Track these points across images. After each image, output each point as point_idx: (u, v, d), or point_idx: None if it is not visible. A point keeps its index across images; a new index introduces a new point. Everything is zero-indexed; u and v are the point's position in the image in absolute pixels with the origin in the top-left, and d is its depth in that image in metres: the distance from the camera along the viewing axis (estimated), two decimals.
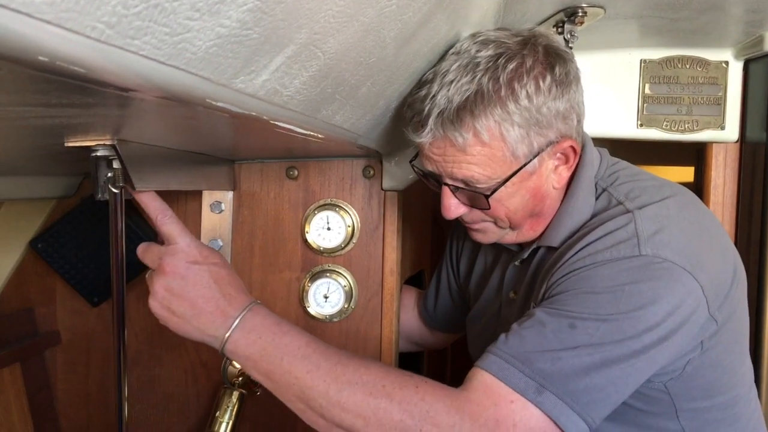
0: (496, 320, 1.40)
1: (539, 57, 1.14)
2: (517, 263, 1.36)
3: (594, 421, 1.07)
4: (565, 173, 1.23)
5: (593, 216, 1.23)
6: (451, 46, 1.21)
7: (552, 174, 1.22)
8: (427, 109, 1.14)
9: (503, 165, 1.16)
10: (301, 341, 1.12)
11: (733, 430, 1.26)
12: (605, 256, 1.12)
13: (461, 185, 1.20)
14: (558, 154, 1.21)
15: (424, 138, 1.16)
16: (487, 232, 1.30)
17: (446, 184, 1.21)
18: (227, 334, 1.12)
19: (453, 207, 1.23)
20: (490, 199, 1.18)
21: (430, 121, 1.14)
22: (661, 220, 1.15)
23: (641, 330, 1.07)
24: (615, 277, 1.10)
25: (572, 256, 1.16)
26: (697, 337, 1.15)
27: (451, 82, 1.13)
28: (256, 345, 1.12)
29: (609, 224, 1.16)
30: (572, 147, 1.20)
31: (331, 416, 1.08)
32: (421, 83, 1.19)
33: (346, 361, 1.10)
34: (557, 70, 1.15)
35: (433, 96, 1.14)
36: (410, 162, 1.31)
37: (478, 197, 1.19)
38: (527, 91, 1.11)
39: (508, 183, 1.17)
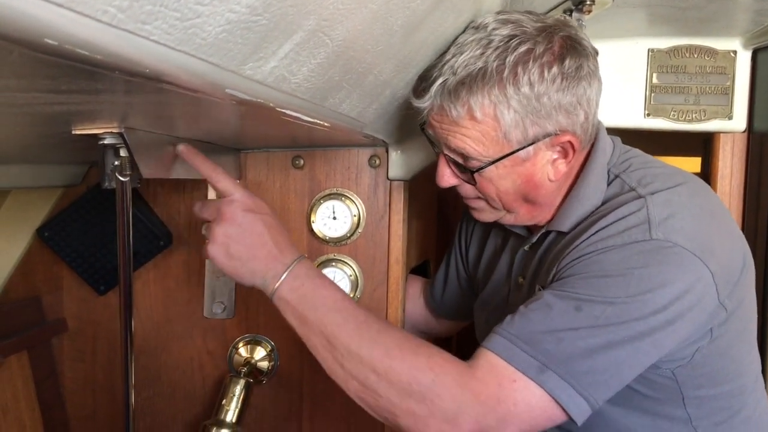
0: (504, 306, 1.40)
1: (553, 47, 1.13)
2: (526, 248, 1.36)
3: (596, 401, 1.09)
4: (563, 167, 1.22)
5: (604, 202, 1.23)
6: (459, 35, 1.21)
7: (549, 165, 1.21)
8: (434, 76, 1.16)
9: (496, 145, 1.16)
10: (336, 296, 1.20)
11: (739, 418, 1.27)
12: (616, 240, 1.13)
13: (455, 157, 1.21)
14: (557, 147, 1.20)
15: (424, 104, 1.18)
16: (483, 211, 1.31)
17: (443, 153, 1.23)
18: (279, 279, 1.19)
19: (446, 176, 1.25)
20: (478, 176, 1.20)
21: (433, 89, 1.16)
22: (673, 206, 1.15)
23: (647, 313, 1.08)
24: (625, 261, 1.10)
25: (584, 240, 1.16)
26: (706, 324, 1.15)
27: (462, 53, 1.14)
28: (299, 291, 1.19)
29: (621, 210, 1.16)
30: (571, 142, 1.18)
31: (349, 367, 1.14)
32: (442, 55, 1.19)
33: (371, 322, 1.18)
34: (567, 62, 1.13)
35: (444, 64, 1.15)
36: (420, 125, 1.29)
37: (466, 172, 1.21)
38: (529, 78, 1.11)
39: (498, 164, 1.18)
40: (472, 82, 1.12)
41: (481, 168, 1.19)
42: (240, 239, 1.19)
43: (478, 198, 1.28)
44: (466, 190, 1.28)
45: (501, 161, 1.18)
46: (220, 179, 1.21)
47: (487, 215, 1.31)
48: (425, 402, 1.09)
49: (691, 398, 1.22)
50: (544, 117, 1.14)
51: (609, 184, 1.25)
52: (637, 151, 1.33)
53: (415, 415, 1.09)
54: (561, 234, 1.26)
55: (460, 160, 1.21)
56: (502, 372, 1.08)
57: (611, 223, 1.15)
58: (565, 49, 1.14)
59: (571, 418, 1.08)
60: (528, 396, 1.07)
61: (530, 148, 1.17)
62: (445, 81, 1.14)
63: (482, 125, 1.15)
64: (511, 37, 1.13)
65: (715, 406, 1.24)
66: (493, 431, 1.08)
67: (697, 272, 1.10)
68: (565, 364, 1.07)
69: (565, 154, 1.21)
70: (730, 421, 1.26)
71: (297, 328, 1.20)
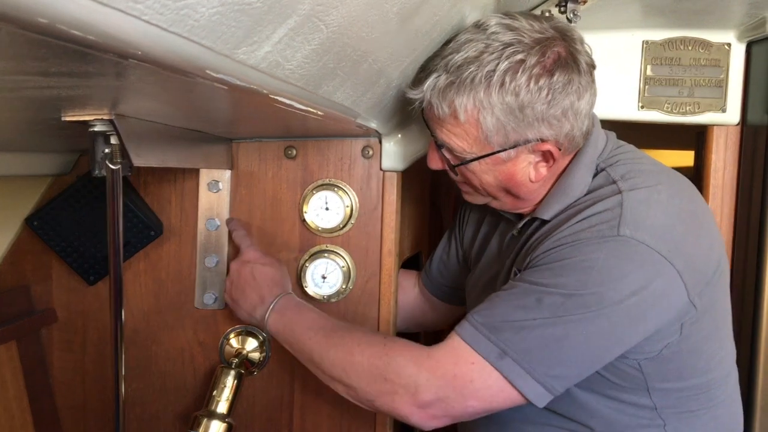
0: (493, 286, 1.43)
1: (545, 60, 1.16)
2: (514, 233, 1.40)
3: (554, 387, 1.16)
4: (543, 171, 1.27)
5: (588, 193, 1.27)
6: (454, 25, 1.23)
7: (531, 167, 1.26)
8: (430, 70, 1.21)
9: (477, 144, 1.22)
10: (310, 316, 1.43)
11: (705, 410, 1.30)
12: (586, 234, 1.17)
13: (442, 146, 1.28)
14: (537, 153, 1.24)
15: (415, 96, 1.24)
16: (471, 194, 1.38)
17: (434, 139, 1.29)
18: (267, 315, 1.46)
19: (435, 160, 1.33)
20: (460, 169, 1.27)
21: (426, 84, 1.21)
22: (649, 204, 1.18)
23: (604, 305, 1.13)
24: (590, 255, 1.15)
25: (560, 232, 1.21)
26: (675, 321, 1.18)
27: (459, 52, 1.18)
28: (282, 321, 1.44)
29: (598, 205, 1.20)
30: (550, 151, 1.23)
31: (328, 371, 1.33)
32: (447, 42, 1.24)
33: (336, 329, 1.38)
34: (556, 77, 1.16)
35: (441, 59, 1.20)
36: (420, 109, 1.35)
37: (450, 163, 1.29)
38: (515, 88, 1.15)
39: (479, 161, 1.24)
40: (461, 84, 1.17)
41: (462, 163, 1.26)
42: (237, 286, 1.52)
43: (464, 183, 1.34)
44: (454, 174, 1.33)
45: (482, 159, 1.24)
46: (240, 240, 1.58)
47: (475, 198, 1.38)
48: (387, 381, 1.24)
49: (657, 389, 1.25)
50: (525, 126, 1.19)
51: (595, 176, 1.28)
52: (630, 147, 1.36)
53: (385, 394, 1.25)
54: (544, 222, 1.30)
55: (444, 152, 1.28)
56: (461, 354, 1.19)
57: (586, 218, 1.20)
58: (557, 63, 1.17)
59: (530, 401, 1.17)
60: (485, 377, 1.17)
61: (511, 151, 1.22)
62: (437, 78, 1.19)
63: (465, 125, 1.20)
64: (508, 45, 1.16)
65: (681, 398, 1.27)
66: (454, 402, 1.20)
67: (658, 269, 1.14)
68: (523, 352, 1.15)
69: (545, 160, 1.25)
70: (697, 412, 1.29)
71: (291, 352, 1.43)
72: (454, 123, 1.21)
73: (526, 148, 1.22)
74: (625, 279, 1.13)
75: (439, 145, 1.28)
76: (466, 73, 1.16)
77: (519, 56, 1.15)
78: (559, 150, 1.23)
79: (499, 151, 1.22)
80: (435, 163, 1.33)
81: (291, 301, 1.48)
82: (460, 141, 1.23)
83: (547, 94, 1.16)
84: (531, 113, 1.17)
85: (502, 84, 1.15)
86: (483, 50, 1.16)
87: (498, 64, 1.15)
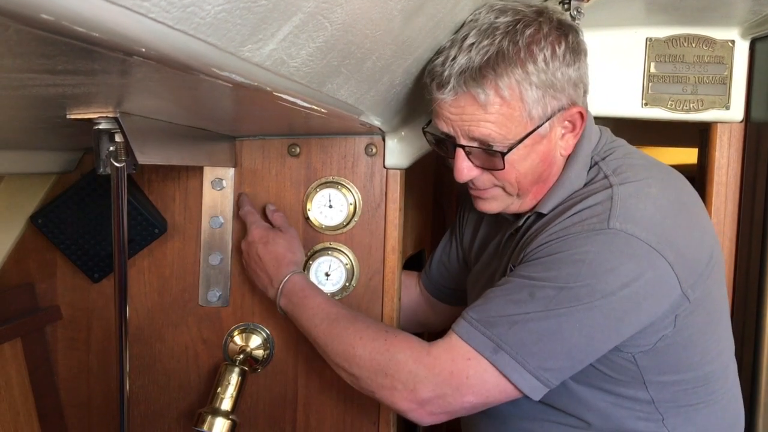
0: (490, 284, 1.42)
1: (554, 25, 1.21)
2: (512, 231, 1.40)
3: (548, 380, 1.18)
4: (571, 141, 1.29)
5: (583, 186, 1.29)
6: (457, 23, 1.24)
7: (560, 141, 1.28)
8: (448, 70, 1.19)
9: (519, 125, 1.21)
10: (314, 303, 1.44)
11: (704, 404, 1.30)
12: (577, 228, 1.19)
13: (476, 145, 1.24)
14: (566, 122, 1.26)
15: (447, 95, 1.21)
16: (497, 199, 1.34)
17: (461, 146, 1.25)
18: (277, 298, 1.50)
19: (465, 170, 1.27)
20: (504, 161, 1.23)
21: (453, 80, 1.19)
22: (639, 197, 1.20)
23: (596, 298, 1.14)
24: (580, 248, 1.16)
25: (553, 227, 1.22)
26: (669, 312, 1.19)
27: (472, 45, 1.18)
28: (289, 306, 1.48)
29: (589, 199, 1.22)
30: (580, 113, 1.25)
31: (331, 357, 1.37)
32: (440, 51, 1.24)
33: (341, 318, 1.39)
34: (570, 38, 1.22)
35: (454, 58, 1.19)
36: (423, 128, 1.37)
37: (492, 158, 1.24)
38: (545, 55, 1.18)
39: (521, 145, 1.22)
40: (495, 64, 1.17)
41: (511, 149, 1.22)
42: (248, 268, 1.58)
43: (494, 186, 1.31)
44: (483, 180, 1.30)
45: (525, 140, 1.22)
46: (245, 217, 1.60)
47: (497, 204, 1.34)
48: (387, 377, 1.26)
49: (653, 382, 1.26)
50: (559, 91, 1.21)
51: (590, 169, 1.30)
52: (623, 142, 1.38)
53: (384, 388, 1.27)
54: (540, 216, 1.31)
55: (481, 154, 1.24)
56: (458, 350, 1.21)
57: (577, 212, 1.21)
58: (565, 27, 1.23)
59: (525, 395, 1.18)
60: (481, 372, 1.19)
61: (547, 123, 1.22)
62: (464, 70, 1.18)
63: (508, 106, 1.19)
64: (516, 21, 1.19)
65: (678, 391, 1.28)
66: (451, 398, 1.22)
67: (650, 261, 1.15)
68: (517, 345, 1.17)
69: (572, 128, 1.27)
70: (696, 406, 1.29)
71: (303, 333, 1.46)
72: (498, 107, 1.19)
73: (557, 119, 1.24)
74: (616, 271, 1.14)
75: (471, 150, 1.24)
76: (493, 54, 1.17)
77: (532, 27, 1.19)
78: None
79: (539, 126, 1.21)
80: (467, 173, 1.27)
81: (297, 284, 1.48)
82: (500, 128, 1.20)
83: (570, 56, 1.21)
84: (561, 77, 1.20)
85: (532, 54, 1.17)
86: (493, 33, 1.18)
87: (518, 39, 1.17)
